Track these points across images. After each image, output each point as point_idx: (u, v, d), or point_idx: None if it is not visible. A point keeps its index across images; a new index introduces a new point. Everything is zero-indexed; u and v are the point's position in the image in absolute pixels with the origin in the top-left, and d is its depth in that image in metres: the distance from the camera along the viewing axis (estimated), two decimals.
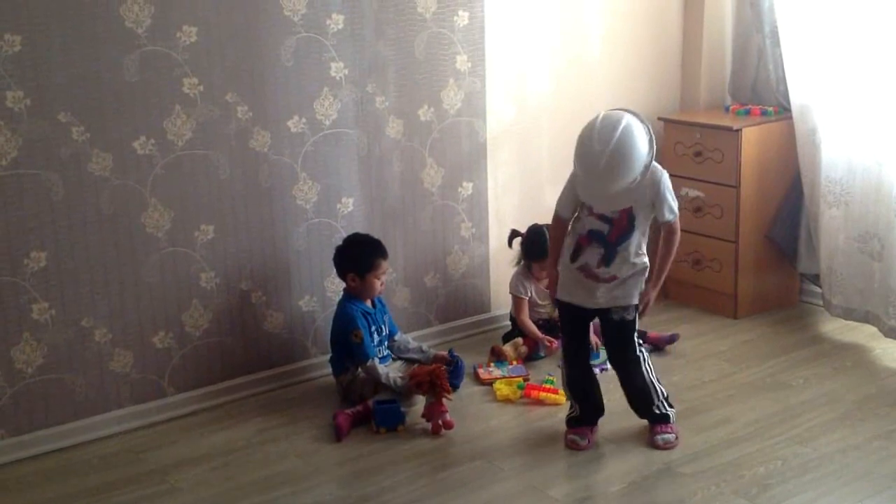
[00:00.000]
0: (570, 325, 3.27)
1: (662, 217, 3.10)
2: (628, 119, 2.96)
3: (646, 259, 3.16)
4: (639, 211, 3.08)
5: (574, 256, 3.15)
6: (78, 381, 3.37)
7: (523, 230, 4.06)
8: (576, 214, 3.18)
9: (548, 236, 3.91)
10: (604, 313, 3.20)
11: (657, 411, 3.27)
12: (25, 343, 3.26)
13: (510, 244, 4.07)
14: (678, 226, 3.15)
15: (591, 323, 3.30)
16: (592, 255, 3.11)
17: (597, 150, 2.92)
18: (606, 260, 3.10)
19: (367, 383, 3.54)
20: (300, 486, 3.07)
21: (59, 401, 3.34)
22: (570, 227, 3.19)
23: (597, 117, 2.99)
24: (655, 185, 3.06)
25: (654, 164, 3.04)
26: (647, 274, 3.17)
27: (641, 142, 2.96)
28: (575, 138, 3.04)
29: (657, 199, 3.08)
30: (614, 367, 3.31)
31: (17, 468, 3.22)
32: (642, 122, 3.00)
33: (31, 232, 3.20)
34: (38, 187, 3.19)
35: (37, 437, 3.31)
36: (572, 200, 3.16)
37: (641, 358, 3.23)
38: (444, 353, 3.74)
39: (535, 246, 3.98)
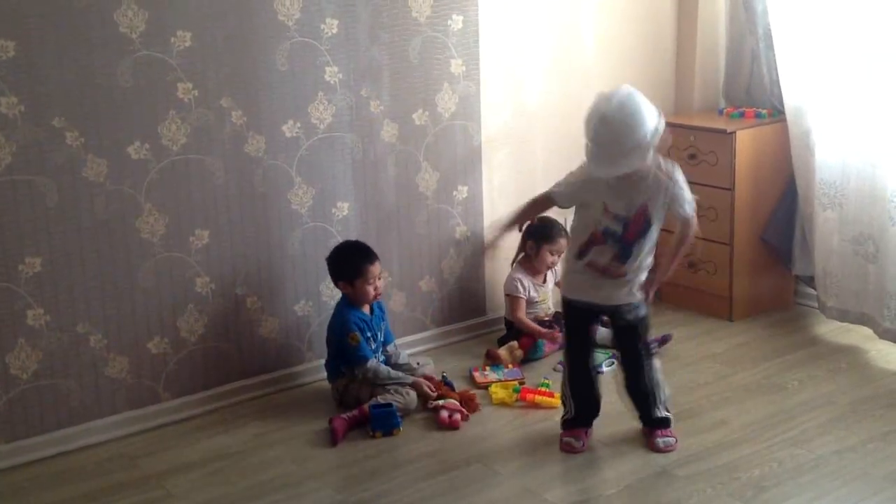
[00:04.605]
0: (574, 321, 3.25)
1: (683, 211, 3.08)
2: (630, 86, 2.98)
3: (652, 259, 3.16)
4: (654, 209, 3.06)
5: (581, 253, 3.13)
6: (73, 387, 3.36)
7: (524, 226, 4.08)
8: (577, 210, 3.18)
9: (552, 220, 3.94)
10: (615, 312, 3.18)
11: (658, 414, 3.27)
12: (20, 349, 3.25)
13: (520, 228, 4.07)
14: (695, 219, 3.13)
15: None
16: (604, 253, 3.09)
17: (610, 103, 2.91)
18: (621, 258, 3.09)
19: (364, 387, 3.54)
20: (296, 491, 3.07)
21: (55, 406, 3.34)
22: (580, 220, 3.16)
23: (598, 94, 2.99)
24: (670, 179, 3.04)
25: (666, 159, 3.05)
26: (648, 271, 3.17)
27: (644, 101, 2.95)
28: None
29: (674, 194, 3.05)
30: (625, 366, 3.28)
31: (13, 474, 3.22)
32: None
33: (25, 238, 3.20)
34: (33, 193, 3.19)
35: (32, 443, 3.30)
36: (571, 197, 3.13)
37: (652, 357, 3.23)
38: (434, 376, 3.69)
39: (546, 228, 3.99)
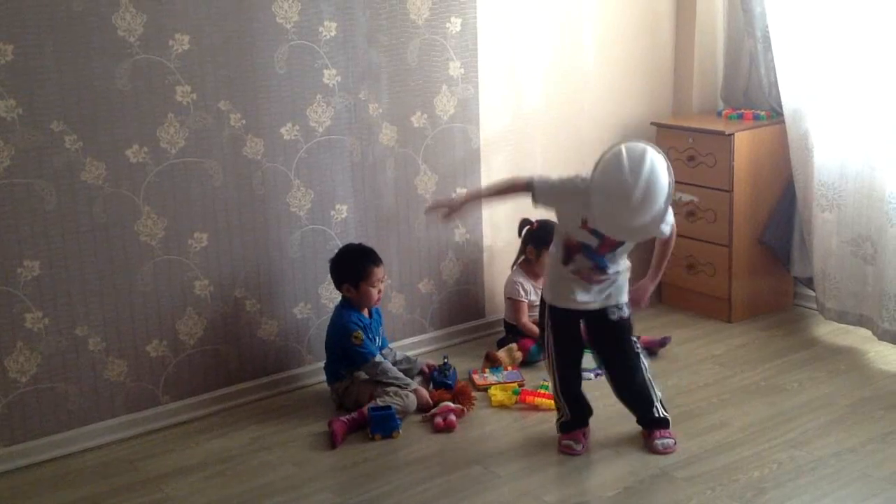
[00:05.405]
0: (563, 327, 3.23)
1: (662, 233, 3.08)
2: (651, 151, 2.91)
3: (628, 261, 3.19)
4: None
5: (566, 260, 3.14)
6: (72, 390, 3.36)
7: (525, 230, 4.09)
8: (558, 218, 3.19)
9: (553, 225, 3.93)
10: (597, 315, 3.18)
11: (656, 414, 3.27)
12: (19, 352, 3.25)
13: (520, 233, 4.08)
14: (675, 230, 3.14)
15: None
16: (584, 262, 3.11)
17: (630, 183, 2.84)
18: (598, 269, 3.11)
19: (363, 390, 3.54)
20: (296, 494, 3.07)
21: (54, 410, 3.34)
22: (559, 222, 3.17)
23: (618, 151, 2.90)
24: None
25: None
26: (629, 272, 3.20)
27: (664, 173, 2.91)
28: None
29: None
30: (611, 369, 3.27)
31: (12, 478, 3.22)
32: (659, 152, 2.94)
33: (24, 241, 3.20)
34: (31, 196, 3.19)
35: (31, 447, 3.30)
36: (549, 203, 3.11)
37: (640, 357, 3.24)
38: (432, 363, 3.75)
39: (548, 233, 3.97)
